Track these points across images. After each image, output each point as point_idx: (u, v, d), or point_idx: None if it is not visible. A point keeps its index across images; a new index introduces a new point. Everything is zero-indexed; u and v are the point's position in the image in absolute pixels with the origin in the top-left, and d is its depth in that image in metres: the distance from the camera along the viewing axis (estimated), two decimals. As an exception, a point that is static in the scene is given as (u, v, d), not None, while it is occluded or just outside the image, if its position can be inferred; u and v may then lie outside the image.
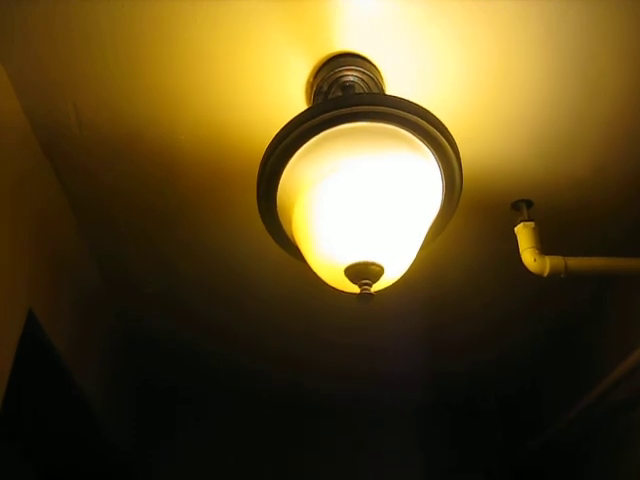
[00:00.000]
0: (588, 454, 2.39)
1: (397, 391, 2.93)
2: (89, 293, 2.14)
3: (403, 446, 3.05)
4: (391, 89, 1.49)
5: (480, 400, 3.02)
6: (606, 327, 2.22)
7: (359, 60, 1.43)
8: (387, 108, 1.22)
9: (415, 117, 1.23)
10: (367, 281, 1.24)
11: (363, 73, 1.43)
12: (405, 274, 1.46)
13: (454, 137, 1.28)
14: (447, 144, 1.27)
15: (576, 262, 1.70)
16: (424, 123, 1.24)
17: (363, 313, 2.18)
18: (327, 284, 1.39)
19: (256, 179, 1.33)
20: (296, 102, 1.51)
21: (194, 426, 3.03)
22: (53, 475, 2.61)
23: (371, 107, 1.22)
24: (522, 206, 1.74)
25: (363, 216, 1.27)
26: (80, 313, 2.06)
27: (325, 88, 1.45)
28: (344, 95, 1.42)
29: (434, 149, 1.28)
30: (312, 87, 1.47)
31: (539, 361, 2.66)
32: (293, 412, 3.07)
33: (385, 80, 1.47)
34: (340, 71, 1.43)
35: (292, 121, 1.26)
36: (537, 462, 2.74)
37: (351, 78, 1.43)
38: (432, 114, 1.25)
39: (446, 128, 1.26)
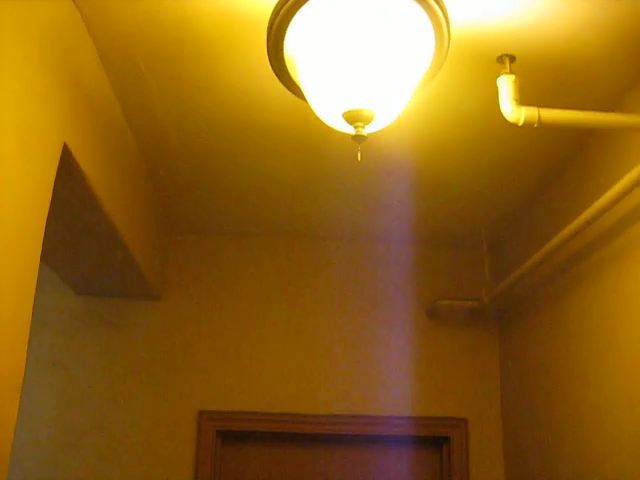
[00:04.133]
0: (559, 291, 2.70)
1: (391, 223, 3.21)
2: (117, 132, 2.35)
3: (396, 276, 3.38)
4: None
5: (469, 235, 3.26)
6: (586, 174, 2.46)
7: None
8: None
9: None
10: (361, 124, 1.46)
11: None
12: (396, 120, 1.69)
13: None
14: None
15: (550, 114, 1.91)
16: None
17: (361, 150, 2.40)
18: (326, 124, 1.62)
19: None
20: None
21: (211, 261, 3.37)
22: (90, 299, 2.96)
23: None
24: (506, 60, 1.91)
25: (358, 63, 1.49)
26: (110, 151, 2.28)
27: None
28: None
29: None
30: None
31: (525, 202, 2.93)
32: (302, 244, 3.40)
33: None
34: None
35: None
36: (516, 298, 3.07)
37: None
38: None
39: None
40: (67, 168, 1.90)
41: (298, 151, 2.54)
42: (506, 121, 1.92)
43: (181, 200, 3.05)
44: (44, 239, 1.74)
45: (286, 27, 1.53)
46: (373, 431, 3.20)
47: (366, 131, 1.50)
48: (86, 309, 3.24)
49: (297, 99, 1.78)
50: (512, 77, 1.90)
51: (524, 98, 1.91)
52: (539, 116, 1.87)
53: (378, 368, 3.25)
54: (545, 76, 2.06)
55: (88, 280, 3.06)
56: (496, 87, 1.94)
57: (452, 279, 3.39)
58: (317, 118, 1.69)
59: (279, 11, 1.51)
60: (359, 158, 1.50)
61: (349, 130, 1.54)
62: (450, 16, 1.56)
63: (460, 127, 2.35)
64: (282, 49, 1.59)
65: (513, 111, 1.87)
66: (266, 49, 1.63)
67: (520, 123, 1.87)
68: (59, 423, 3.08)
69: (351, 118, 1.50)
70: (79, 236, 2.48)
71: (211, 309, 3.28)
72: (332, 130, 1.66)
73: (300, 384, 3.21)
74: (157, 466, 3.05)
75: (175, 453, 3.07)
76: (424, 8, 1.49)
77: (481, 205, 2.99)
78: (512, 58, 1.92)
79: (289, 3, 1.48)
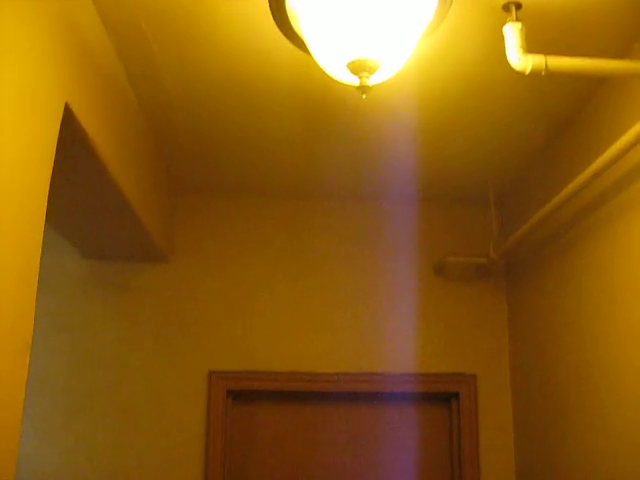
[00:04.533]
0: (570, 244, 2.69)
1: (396, 180, 3.18)
2: (119, 91, 2.33)
3: (403, 234, 3.37)
4: None
5: (476, 191, 3.23)
6: (594, 126, 2.43)
7: None
8: None
9: None
10: (365, 74, 1.44)
11: None
12: (400, 72, 1.66)
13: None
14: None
15: (558, 61, 1.87)
16: None
17: (363, 105, 2.37)
18: (330, 77, 1.59)
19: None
20: None
21: (218, 222, 3.36)
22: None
23: None
24: (512, 7, 1.87)
25: (362, 12, 1.45)
26: (112, 111, 2.26)
27: None
28: None
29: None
30: None
31: (532, 156, 2.90)
32: (308, 203, 3.39)
33: None
34: None
35: None
36: (524, 254, 3.07)
37: None
38: None
39: None
40: (69, 128, 1.89)
41: (301, 107, 2.50)
42: (512, 71, 1.89)
43: (185, 160, 3.03)
44: (49, 202, 1.73)
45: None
46: (382, 388, 3.22)
47: (371, 81, 1.48)
48: (93, 272, 3.24)
49: (299, 53, 1.75)
50: (519, 25, 1.86)
51: (530, 48, 1.88)
52: (546, 64, 1.84)
53: (386, 326, 3.26)
54: (551, 25, 2.02)
55: (95, 243, 3.06)
56: (502, 36, 1.90)
57: (459, 236, 3.37)
58: (320, 73, 1.66)
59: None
60: (363, 97, 1.47)
61: (353, 81, 1.52)
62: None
63: (465, 79, 2.31)
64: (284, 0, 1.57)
65: (520, 59, 1.83)
66: (268, 1, 1.60)
67: (527, 71, 1.84)
68: (69, 387, 3.11)
69: (355, 68, 1.47)
70: (84, 198, 2.47)
71: (219, 270, 3.29)
72: (335, 86, 1.64)
73: (309, 343, 3.22)
74: (168, 427, 3.09)
75: (186, 413, 3.10)
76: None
77: (488, 160, 2.96)
78: (518, 5, 1.88)
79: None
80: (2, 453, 1.42)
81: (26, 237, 1.58)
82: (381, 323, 3.26)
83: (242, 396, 3.19)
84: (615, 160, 2.08)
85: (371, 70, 1.47)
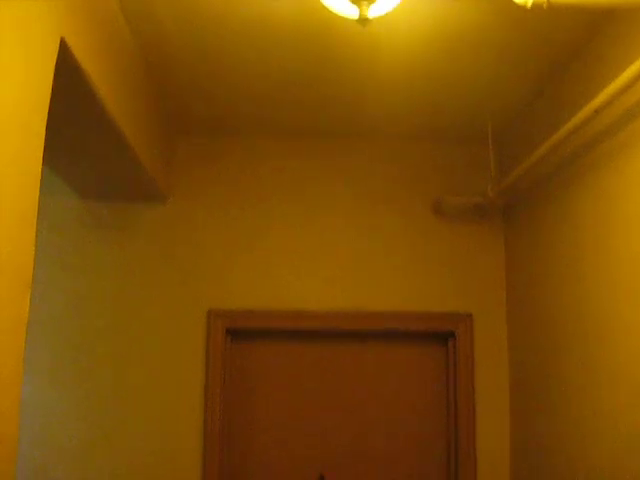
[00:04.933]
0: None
1: (396, 119, 3.18)
2: (114, 27, 2.29)
3: (401, 173, 3.38)
4: None
5: (475, 130, 3.21)
6: (595, 63, 2.40)
7: None
8: None
9: None
10: (365, 3, 1.42)
11: None
12: (400, 4, 1.64)
13: None
14: None
15: (560, -6, 1.84)
16: None
17: (362, 43, 2.34)
18: (331, 11, 1.57)
19: None
20: None
21: (217, 162, 3.35)
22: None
23: None
24: (514, -60, 1.84)
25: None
26: (109, 47, 2.22)
27: None
28: None
29: None
30: None
31: (532, 94, 2.87)
32: (307, 142, 3.39)
33: None
34: None
35: None
36: (522, 193, 3.07)
37: None
38: None
39: None
40: (65, 64, 1.86)
41: (301, 44, 2.47)
42: (514, 5, 1.86)
43: (183, 100, 3.01)
44: (46, 142, 1.72)
45: None
46: (379, 327, 3.26)
47: (370, 13, 1.46)
48: (93, 214, 3.25)
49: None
50: (520, -43, 1.82)
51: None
52: (548, -3, 1.81)
53: (384, 265, 3.28)
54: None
55: (93, 182, 3.06)
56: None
57: (457, 176, 3.37)
58: (321, 8, 1.62)
59: None
60: (363, 29, 1.45)
61: (353, 13, 1.49)
62: None
63: (465, 14, 2.27)
64: None
65: (521, -7, 1.80)
66: None
67: (529, 5, 1.81)
68: (70, 326, 3.15)
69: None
70: (82, 136, 2.46)
71: (218, 210, 3.29)
72: (336, 22, 1.61)
73: (307, 282, 3.25)
74: (168, 365, 3.14)
75: (186, 352, 3.15)
76: None
77: (487, 98, 2.94)
78: (521, -63, 1.84)
79: None
80: (5, 392, 1.44)
81: (24, 176, 1.58)
82: (378, 262, 3.29)
83: (241, 334, 3.24)
84: (617, 96, 2.06)
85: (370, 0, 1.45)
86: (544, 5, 1.80)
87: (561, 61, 2.59)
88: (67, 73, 1.91)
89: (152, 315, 3.17)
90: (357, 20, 1.46)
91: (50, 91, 1.75)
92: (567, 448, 2.58)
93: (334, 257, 3.28)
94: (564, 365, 2.65)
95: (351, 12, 1.49)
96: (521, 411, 3.10)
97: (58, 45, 1.78)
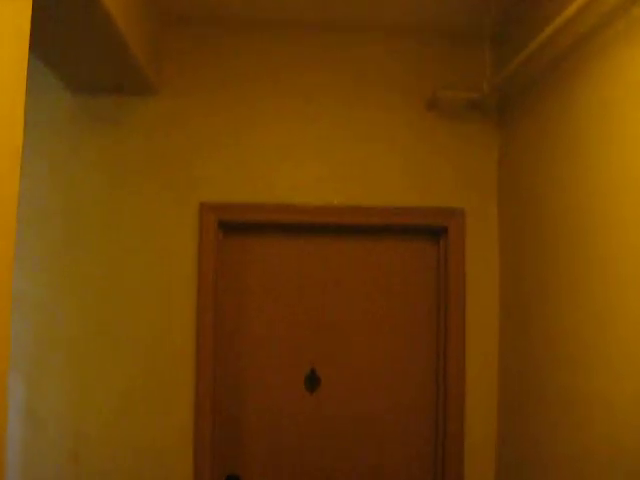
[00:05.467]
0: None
1: (390, 12, 3.11)
2: None
3: (395, 68, 3.32)
4: None
5: (472, 22, 3.14)
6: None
7: None
8: None
9: None
10: None
11: None
12: None
13: None
14: None
15: None
16: None
17: None
18: None
19: None
20: None
21: (209, 54, 3.28)
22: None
23: None
24: None
25: None
26: None
27: None
28: None
29: None
30: None
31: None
32: (300, 35, 3.31)
33: None
34: None
35: None
36: (518, 88, 3.02)
37: None
38: None
39: None
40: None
41: None
42: None
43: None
44: (34, 31, 1.66)
45: None
46: (371, 221, 3.27)
47: None
48: (83, 108, 3.21)
49: None
50: None
51: None
52: None
53: (377, 160, 3.27)
54: None
55: (83, 73, 2.99)
56: None
57: (453, 70, 3.30)
58: None
59: None
60: None
61: None
62: None
63: None
64: None
65: None
66: None
67: None
68: (60, 220, 3.17)
69: None
70: (69, 23, 2.39)
71: (209, 102, 3.24)
72: None
73: (300, 176, 3.24)
74: (160, 259, 3.16)
75: (178, 246, 3.17)
76: None
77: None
78: None
79: None
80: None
81: (9, 63, 1.52)
82: (371, 156, 3.26)
83: (233, 228, 3.25)
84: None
85: None
86: None
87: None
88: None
89: (143, 209, 3.17)
90: None
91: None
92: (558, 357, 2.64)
93: (327, 151, 3.25)
94: (559, 260, 2.64)
95: None
96: (509, 306, 3.15)
97: None
